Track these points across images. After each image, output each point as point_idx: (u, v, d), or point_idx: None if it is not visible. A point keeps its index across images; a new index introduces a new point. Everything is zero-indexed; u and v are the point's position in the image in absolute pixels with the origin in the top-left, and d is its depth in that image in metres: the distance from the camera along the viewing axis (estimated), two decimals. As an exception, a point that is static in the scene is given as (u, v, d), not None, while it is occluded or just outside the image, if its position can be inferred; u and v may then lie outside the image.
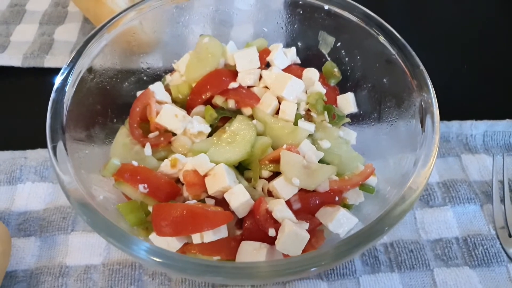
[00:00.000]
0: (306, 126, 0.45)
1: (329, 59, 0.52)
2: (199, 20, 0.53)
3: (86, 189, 0.37)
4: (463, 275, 0.45)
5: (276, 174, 0.42)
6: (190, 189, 0.41)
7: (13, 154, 0.53)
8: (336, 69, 0.51)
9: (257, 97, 0.47)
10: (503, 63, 0.66)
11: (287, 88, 0.46)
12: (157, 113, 0.45)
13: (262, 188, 0.42)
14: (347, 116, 0.49)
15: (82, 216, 0.34)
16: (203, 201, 0.41)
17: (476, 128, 0.56)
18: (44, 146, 0.38)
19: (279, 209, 0.38)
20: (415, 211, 0.50)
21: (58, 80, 0.42)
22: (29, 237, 0.47)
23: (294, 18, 0.53)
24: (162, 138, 0.45)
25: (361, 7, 0.48)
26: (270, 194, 0.42)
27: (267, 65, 0.50)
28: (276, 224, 0.38)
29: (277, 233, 0.38)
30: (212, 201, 0.41)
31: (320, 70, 0.51)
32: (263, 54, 0.50)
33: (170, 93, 0.49)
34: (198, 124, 0.45)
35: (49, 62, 0.63)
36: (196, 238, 0.38)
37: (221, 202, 0.40)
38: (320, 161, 0.43)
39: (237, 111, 0.48)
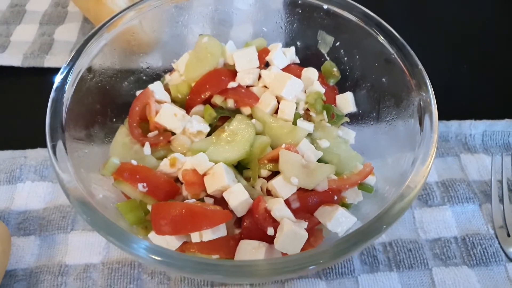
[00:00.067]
0: (305, 126, 0.45)
1: (328, 58, 0.52)
2: (198, 20, 0.53)
3: (85, 188, 0.37)
4: (462, 275, 0.45)
5: (275, 173, 0.42)
6: (189, 188, 0.41)
7: (13, 154, 0.53)
8: (335, 69, 0.51)
9: (256, 96, 0.47)
10: (502, 63, 0.67)
11: (286, 88, 0.46)
12: (157, 113, 0.45)
13: (261, 187, 0.42)
14: (346, 115, 0.49)
15: (82, 215, 0.34)
16: (202, 200, 0.41)
17: (475, 128, 0.56)
18: (44, 145, 0.38)
19: (278, 208, 0.39)
20: (414, 210, 0.50)
21: (57, 79, 0.42)
22: (29, 236, 0.47)
23: (293, 17, 0.53)
24: (161, 138, 0.45)
25: (360, 7, 0.48)
26: (269, 193, 0.42)
27: (266, 65, 0.50)
28: (275, 223, 0.39)
29: (275, 232, 0.38)
30: (211, 200, 0.41)
31: (319, 69, 0.51)
32: (262, 53, 0.50)
33: (170, 93, 0.49)
34: (197, 123, 0.45)
35: (49, 62, 0.63)
36: (195, 237, 0.38)
37: (220, 201, 0.40)
38: (319, 161, 0.43)
39: (236, 111, 0.48)
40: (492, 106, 0.60)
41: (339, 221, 0.39)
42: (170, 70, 0.52)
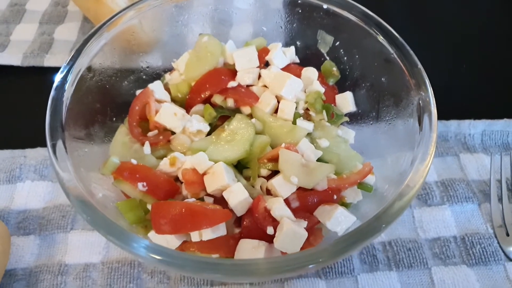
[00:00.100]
0: (305, 125, 0.45)
1: (328, 58, 0.53)
2: (198, 19, 0.53)
3: (85, 187, 0.37)
4: (461, 274, 0.45)
5: (274, 172, 0.42)
6: (189, 187, 0.41)
7: (12, 153, 0.53)
8: (334, 68, 0.51)
9: (256, 96, 0.47)
10: (501, 63, 0.67)
11: (286, 87, 0.46)
12: (156, 112, 0.45)
13: (260, 186, 0.42)
14: (345, 115, 0.49)
15: (82, 214, 0.34)
16: (202, 199, 0.41)
17: (474, 128, 0.56)
18: (44, 145, 0.38)
19: (278, 208, 0.39)
20: (414, 210, 0.50)
21: (57, 78, 0.42)
22: (29, 235, 0.47)
23: (293, 17, 0.53)
24: (161, 137, 0.45)
25: (359, 7, 0.48)
26: (268, 192, 0.42)
27: (266, 64, 0.50)
28: (275, 222, 0.39)
29: (275, 231, 0.38)
30: (211, 200, 0.41)
31: (319, 69, 0.51)
32: (262, 53, 0.50)
33: (170, 92, 0.49)
34: (197, 122, 0.45)
35: (49, 61, 0.63)
36: (194, 236, 0.38)
37: (220, 200, 0.40)
38: (319, 160, 0.43)
39: (236, 110, 0.48)
40: (491, 105, 0.60)
41: (338, 220, 0.39)
42: (170, 69, 0.52)
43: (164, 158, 0.42)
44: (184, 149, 0.44)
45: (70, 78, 0.42)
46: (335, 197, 0.41)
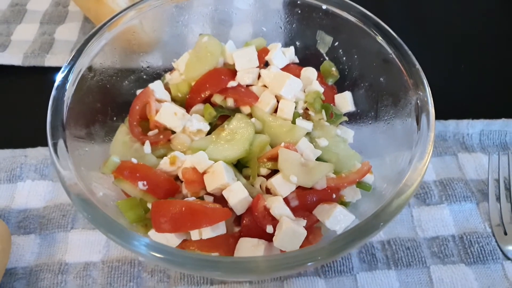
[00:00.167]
0: (304, 125, 0.45)
1: (327, 58, 0.53)
2: (198, 20, 0.53)
3: (86, 186, 0.37)
4: (459, 272, 0.46)
5: (274, 171, 0.43)
6: (189, 186, 0.41)
7: (13, 153, 0.53)
8: (334, 68, 0.51)
9: (255, 95, 0.48)
10: (500, 63, 0.67)
11: (285, 87, 0.46)
12: (157, 111, 0.45)
13: (260, 185, 0.42)
14: (344, 114, 0.49)
15: (83, 212, 0.34)
16: (201, 198, 0.41)
17: (472, 127, 0.56)
18: (44, 144, 0.38)
19: (277, 206, 0.39)
20: (412, 209, 0.50)
21: (58, 77, 0.42)
22: (29, 234, 0.47)
23: (293, 17, 0.53)
24: (161, 136, 0.45)
25: (358, 7, 0.48)
26: (268, 191, 0.42)
27: (266, 64, 0.51)
28: (274, 221, 0.39)
29: (275, 230, 0.38)
30: (211, 198, 0.41)
31: (318, 69, 0.51)
32: (262, 53, 0.50)
33: (170, 92, 0.49)
34: (197, 122, 0.45)
35: (49, 61, 0.64)
36: (194, 235, 0.38)
37: (220, 199, 0.41)
38: (318, 159, 0.43)
39: (236, 110, 0.48)
40: (489, 105, 0.61)
41: (337, 219, 0.39)
42: (170, 69, 0.53)
43: (164, 157, 0.43)
44: (184, 148, 0.44)
45: (71, 77, 0.42)
46: (334, 196, 0.41)
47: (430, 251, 0.47)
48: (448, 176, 0.53)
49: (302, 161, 0.42)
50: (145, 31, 0.51)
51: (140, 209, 0.41)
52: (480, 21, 0.73)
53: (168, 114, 0.45)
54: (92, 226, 0.47)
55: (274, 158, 0.42)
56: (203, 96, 0.47)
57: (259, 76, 0.49)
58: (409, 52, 0.44)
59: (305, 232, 0.38)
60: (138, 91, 0.49)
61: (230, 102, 0.48)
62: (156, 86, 0.47)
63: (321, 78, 0.51)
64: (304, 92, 0.49)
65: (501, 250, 0.47)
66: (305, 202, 0.41)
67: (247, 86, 0.49)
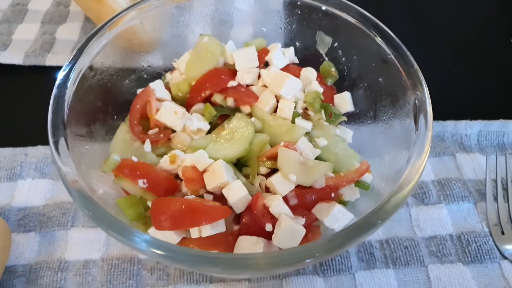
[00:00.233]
0: (304, 124, 0.46)
1: (326, 59, 0.53)
2: (199, 20, 0.54)
3: (86, 184, 0.37)
4: (457, 271, 0.46)
5: (273, 170, 0.43)
6: (189, 184, 0.42)
7: (13, 151, 0.54)
8: (333, 69, 0.52)
9: (255, 95, 0.48)
10: (498, 64, 0.68)
11: (285, 87, 0.46)
12: (157, 110, 0.46)
13: (259, 184, 0.43)
14: (343, 114, 0.50)
15: (83, 209, 0.35)
16: (201, 196, 0.42)
17: (470, 128, 0.57)
18: (45, 143, 0.39)
19: (276, 205, 0.39)
20: (411, 208, 0.51)
21: (60, 76, 0.42)
22: (29, 232, 0.47)
23: (293, 18, 0.53)
24: (161, 135, 0.46)
25: (357, 8, 0.49)
26: (267, 190, 0.42)
27: (266, 65, 0.51)
28: (273, 219, 0.39)
29: (274, 228, 0.39)
30: (211, 197, 0.42)
31: (317, 69, 0.52)
32: (262, 53, 0.50)
33: (170, 91, 0.49)
34: (197, 121, 0.45)
35: (50, 60, 0.64)
36: (194, 233, 0.38)
37: (219, 197, 0.41)
38: (317, 159, 0.44)
39: (236, 109, 0.48)
40: (487, 106, 0.61)
41: (336, 218, 0.40)
42: (171, 69, 0.53)
43: (165, 156, 0.43)
44: (184, 147, 0.45)
45: (72, 76, 0.42)
46: (333, 195, 0.42)
47: (428, 250, 0.47)
48: (446, 176, 0.53)
49: (301, 160, 0.42)
50: (146, 31, 0.51)
51: (140, 207, 0.41)
52: (480, 22, 0.74)
53: (169, 113, 0.45)
54: (92, 224, 0.48)
55: (274, 157, 0.43)
56: (203, 95, 0.48)
57: (259, 76, 0.49)
58: (408, 52, 0.44)
59: (304, 230, 0.38)
60: (139, 90, 0.49)
61: (230, 102, 0.48)
62: (156, 86, 0.47)
63: (321, 79, 0.52)
64: (304, 92, 0.49)
65: (498, 250, 0.47)
66: (304, 200, 0.41)
67: (247, 86, 0.49)
